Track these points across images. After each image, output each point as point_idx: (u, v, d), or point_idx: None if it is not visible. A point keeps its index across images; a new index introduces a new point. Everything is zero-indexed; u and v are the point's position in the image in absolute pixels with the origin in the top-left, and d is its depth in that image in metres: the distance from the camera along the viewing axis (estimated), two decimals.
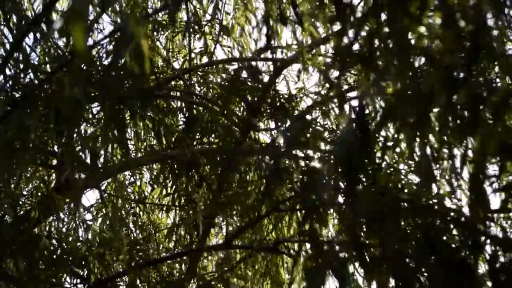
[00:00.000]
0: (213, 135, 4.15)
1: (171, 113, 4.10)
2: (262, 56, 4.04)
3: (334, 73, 2.04)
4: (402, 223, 1.64)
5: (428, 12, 1.49)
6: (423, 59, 1.60)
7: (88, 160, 3.66)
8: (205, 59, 4.36)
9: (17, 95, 2.86)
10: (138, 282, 3.77)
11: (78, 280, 3.76)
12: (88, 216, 4.09)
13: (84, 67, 2.52)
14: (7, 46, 2.94)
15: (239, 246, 3.27)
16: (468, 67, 1.45)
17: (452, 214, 1.79)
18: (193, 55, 4.28)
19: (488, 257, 1.57)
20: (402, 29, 1.49)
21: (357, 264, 1.89)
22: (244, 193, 3.44)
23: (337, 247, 1.76)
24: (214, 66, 4.17)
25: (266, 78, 3.86)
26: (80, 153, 3.67)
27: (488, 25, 1.49)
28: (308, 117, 3.64)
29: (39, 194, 3.92)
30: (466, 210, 1.91)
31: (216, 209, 3.72)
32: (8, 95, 2.83)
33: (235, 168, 1.92)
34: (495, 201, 1.90)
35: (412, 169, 2.13)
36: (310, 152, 1.96)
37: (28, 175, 3.76)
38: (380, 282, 1.71)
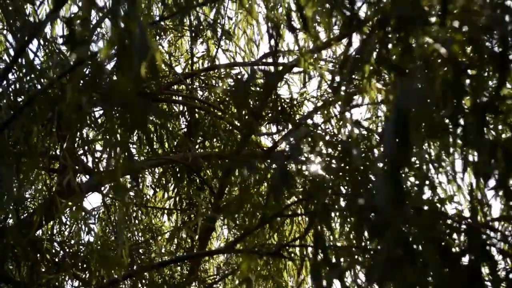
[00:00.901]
0: (215, 139, 4.17)
1: (173, 117, 4.11)
2: (265, 60, 4.05)
3: (338, 79, 2.05)
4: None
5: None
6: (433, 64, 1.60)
7: (90, 164, 3.68)
8: (207, 64, 4.38)
9: (20, 100, 2.87)
10: (140, 285, 3.78)
11: (80, 284, 3.76)
12: (90, 220, 4.10)
13: (88, 72, 2.53)
14: (11, 51, 2.95)
15: (242, 250, 3.27)
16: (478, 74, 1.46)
17: (455, 219, 1.80)
18: (195, 59, 4.30)
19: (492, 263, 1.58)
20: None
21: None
22: (247, 197, 3.45)
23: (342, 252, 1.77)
24: (216, 71, 4.19)
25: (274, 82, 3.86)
26: (82, 157, 3.69)
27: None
28: (310, 121, 3.66)
29: (41, 197, 3.93)
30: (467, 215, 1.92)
31: (217, 212, 3.73)
32: (12, 100, 2.85)
33: (254, 167, 1.92)
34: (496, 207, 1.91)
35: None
36: (315, 157, 1.98)
37: (31, 179, 3.77)
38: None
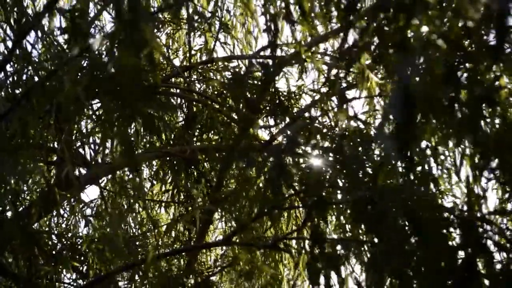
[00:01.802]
0: (212, 132, 4.17)
1: (171, 110, 4.10)
2: (263, 53, 4.05)
3: (334, 71, 2.06)
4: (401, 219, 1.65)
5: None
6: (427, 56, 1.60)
7: (88, 156, 3.68)
8: (204, 57, 4.37)
9: (18, 92, 2.86)
10: (137, 277, 3.78)
11: (78, 276, 3.77)
12: (88, 212, 4.11)
13: (86, 65, 2.52)
14: (8, 43, 2.94)
15: (238, 243, 3.28)
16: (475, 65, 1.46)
17: (451, 212, 1.80)
18: (193, 52, 4.29)
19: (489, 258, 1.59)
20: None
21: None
22: (244, 190, 3.45)
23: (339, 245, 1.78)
24: (214, 64, 4.18)
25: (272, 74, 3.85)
26: (80, 150, 3.69)
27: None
28: (307, 114, 3.66)
29: (39, 190, 3.93)
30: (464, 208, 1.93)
31: (215, 205, 3.74)
32: (9, 92, 2.84)
33: (252, 161, 1.93)
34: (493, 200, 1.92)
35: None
36: (312, 150, 1.98)
37: (29, 171, 3.77)
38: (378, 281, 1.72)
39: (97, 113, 3.28)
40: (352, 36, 1.80)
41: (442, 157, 1.99)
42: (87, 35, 1.64)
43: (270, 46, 3.34)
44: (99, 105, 3.25)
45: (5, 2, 2.75)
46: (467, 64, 1.58)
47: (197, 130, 4.18)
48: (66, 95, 2.22)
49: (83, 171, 3.63)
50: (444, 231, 1.68)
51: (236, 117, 3.98)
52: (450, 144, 1.89)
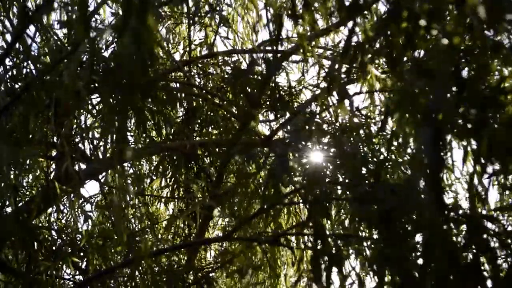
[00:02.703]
0: (212, 127, 4.16)
1: (171, 104, 4.09)
2: (264, 48, 4.03)
3: (336, 66, 2.04)
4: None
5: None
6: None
7: (87, 151, 3.67)
8: (205, 51, 4.35)
9: (17, 86, 2.85)
10: (137, 273, 3.77)
11: (77, 272, 3.76)
12: (88, 207, 4.10)
13: (85, 58, 2.51)
14: (8, 36, 2.92)
15: (240, 238, 3.27)
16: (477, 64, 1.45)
17: (454, 211, 1.79)
18: (193, 46, 4.27)
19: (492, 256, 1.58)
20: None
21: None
22: (242, 185, 3.44)
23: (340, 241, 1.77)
24: (214, 58, 4.16)
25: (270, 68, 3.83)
26: (80, 144, 3.67)
27: None
28: (308, 110, 3.64)
29: (39, 185, 3.92)
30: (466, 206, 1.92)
31: (215, 201, 3.73)
32: (9, 86, 2.82)
33: (253, 156, 1.92)
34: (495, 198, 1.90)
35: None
36: (313, 145, 1.97)
37: (28, 166, 3.76)
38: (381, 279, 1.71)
39: (96, 107, 3.27)
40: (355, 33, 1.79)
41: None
42: (87, 28, 1.61)
43: (272, 40, 3.32)
44: (98, 99, 3.25)
45: None
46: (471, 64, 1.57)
47: (197, 125, 4.16)
48: (66, 90, 2.21)
49: (83, 166, 3.62)
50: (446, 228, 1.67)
51: (236, 112, 3.96)
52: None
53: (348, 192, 1.87)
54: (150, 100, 3.64)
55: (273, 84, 3.87)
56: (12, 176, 3.14)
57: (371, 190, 1.72)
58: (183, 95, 4.18)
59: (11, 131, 2.79)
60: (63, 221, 3.99)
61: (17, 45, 2.67)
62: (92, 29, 1.73)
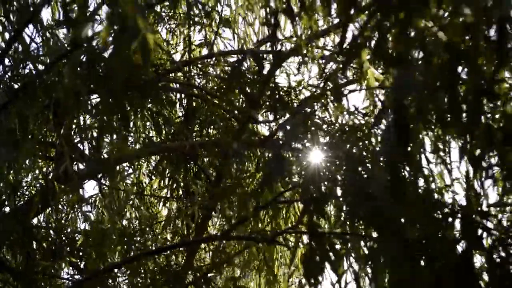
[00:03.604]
0: (212, 127, 4.16)
1: (171, 105, 4.10)
2: (262, 48, 4.03)
3: (333, 66, 2.04)
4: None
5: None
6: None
7: (87, 151, 3.67)
8: (204, 51, 4.36)
9: (16, 86, 2.85)
10: (135, 272, 3.78)
11: (76, 271, 3.76)
12: (87, 207, 4.10)
13: (84, 58, 2.51)
14: (7, 36, 2.93)
15: (238, 237, 3.27)
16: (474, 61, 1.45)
17: (450, 207, 1.79)
18: (193, 47, 4.27)
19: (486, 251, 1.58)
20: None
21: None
22: (242, 184, 3.45)
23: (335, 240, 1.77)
24: (214, 58, 4.16)
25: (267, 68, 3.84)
26: (79, 144, 3.67)
27: None
28: (307, 109, 3.64)
29: (38, 184, 3.92)
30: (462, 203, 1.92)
31: (214, 200, 3.73)
32: (8, 85, 2.83)
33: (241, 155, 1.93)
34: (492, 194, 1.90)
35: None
36: (311, 145, 1.97)
37: (27, 165, 3.76)
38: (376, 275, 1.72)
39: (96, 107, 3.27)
40: (352, 31, 1.79)
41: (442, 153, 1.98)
42: (85, 28, 1.62)
43: (270, 40, 3.33)
44: (98, 100, 3.25)
45: None
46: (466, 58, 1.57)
47: (197, 125, 4.16)
48: (65, 90, 2.21)
49: (82, 166, 3.62)
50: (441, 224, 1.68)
51: (235, 112, 3.96)
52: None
53: (342, 190, 1.87)
54: (149, 100, 3.65)
55: (272, 84, 3.87)
56: (11, 176, 3.15)
57: (365, 187, 1.72)
58: (183, 95, 4.19)
59: (10, 130, 2.80)
60: (62, 220, 4.00)
61: (16, 44, 2.68)
62: (90, 27, 1.73)
